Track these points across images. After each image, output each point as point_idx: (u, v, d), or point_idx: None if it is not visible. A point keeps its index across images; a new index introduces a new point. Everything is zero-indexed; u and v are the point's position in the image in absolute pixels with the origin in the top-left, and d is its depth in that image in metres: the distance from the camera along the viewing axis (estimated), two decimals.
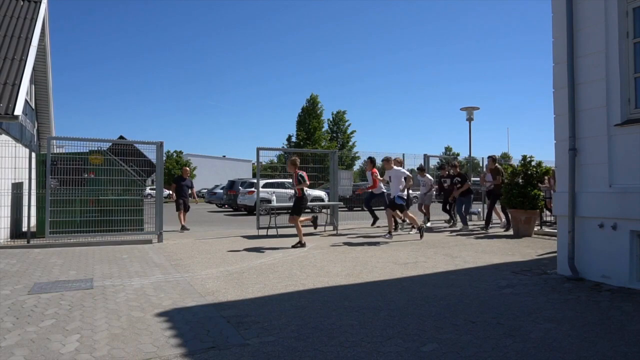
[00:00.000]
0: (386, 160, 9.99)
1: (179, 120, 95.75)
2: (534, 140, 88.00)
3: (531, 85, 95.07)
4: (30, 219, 8.95)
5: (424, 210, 12.49)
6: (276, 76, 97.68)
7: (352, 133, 41.93)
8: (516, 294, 4.78)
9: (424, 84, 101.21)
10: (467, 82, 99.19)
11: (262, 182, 13.78)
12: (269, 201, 14.32)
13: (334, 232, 11.13)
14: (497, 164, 11.70)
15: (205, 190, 36.17)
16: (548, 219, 11.02)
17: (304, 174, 8.53)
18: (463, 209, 11.69)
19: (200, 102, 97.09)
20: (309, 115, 39.03)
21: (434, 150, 76.78)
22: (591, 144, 5.39)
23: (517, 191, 10.14)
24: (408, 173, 9.94)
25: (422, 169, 12.69)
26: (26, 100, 9.95)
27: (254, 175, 17.95)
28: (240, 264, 6.63)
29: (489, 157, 11.85)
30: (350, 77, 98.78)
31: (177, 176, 12.91)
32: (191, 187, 12.41)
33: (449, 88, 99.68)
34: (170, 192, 8.61)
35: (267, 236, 10.09)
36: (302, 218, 8.73)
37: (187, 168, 13.27)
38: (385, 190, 10.95)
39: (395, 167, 9.78)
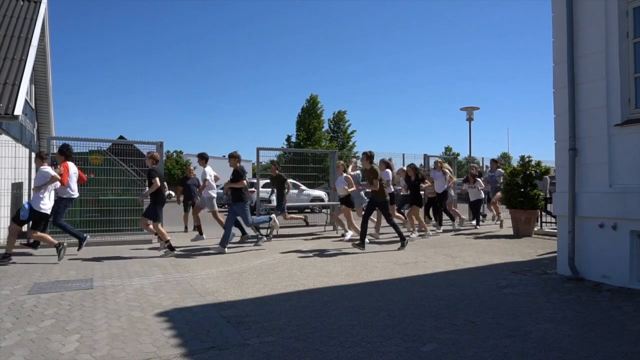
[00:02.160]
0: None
1: (179, 120, 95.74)
2: (534, 140, 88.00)
3: (531, 85, 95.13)
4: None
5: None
6: (276, 76, 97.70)
7: (352, 133, 41.91)
8: (516, 294, 4.78)
9: (424, 84, 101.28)
10: (467, 82, 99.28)
11: (262, 182, 13.77)
12: (269, 201, 14.30)
13: (334, 232, 11.13)
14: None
15: None
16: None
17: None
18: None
19: (200, 102, 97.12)
20: (309, 115, 38.99)
21: (434, 150, 76.83)
22: (591, 144, 5.39)
23: (517, 191, 10.15)
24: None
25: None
26: (26, 100, 9.96)
27: (254, 175, 17.93)
28: (240, 264, 6.63)
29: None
30: (350, 77, 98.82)
31: (183, 177, 12.82)
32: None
33: (448, 88, 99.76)
34: (171, 192, 8.59)
35: (267, 236, 10.08)
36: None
37: (192, 167, 13.10)
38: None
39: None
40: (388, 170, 9.62)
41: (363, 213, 8.37)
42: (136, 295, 4.77)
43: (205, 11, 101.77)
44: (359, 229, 8.33)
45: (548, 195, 10.60)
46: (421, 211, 10.66)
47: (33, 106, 13.28)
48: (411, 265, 6.43)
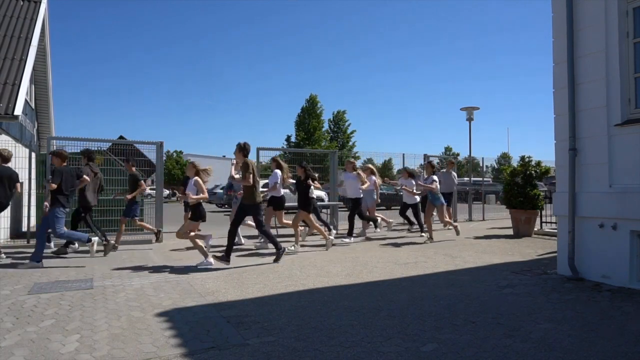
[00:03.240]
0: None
1: (179, 120, 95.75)
2: (534, 140, 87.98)
3: (532, 85, 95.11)
4: (30, 219, 8.96)
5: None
6: (276, 76, 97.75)
7: (352, 133, 41.89)
8: (516, 294, 4.78)
9: (423, 84, 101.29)
10: (467, 82, 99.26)
11: (262, 182, 13.77)
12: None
13: (334, 232, 11.12)
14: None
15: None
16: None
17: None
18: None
19: (200, 101, 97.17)
20: (308, 115, 38.97)
21: (434, 150, 76.76)
22: (591, 144, 5.39)
23: (517, 191, 10.15)
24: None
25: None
26: (26, 100, 9.95)
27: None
28: (240, 264, 6.63)
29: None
30: (350, 78, 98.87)
31: (184, 177, 12.77)
32: None
33: (448, 88, 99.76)
34: (170, 192, 8.61)
35: None
36: (285, 220, 8.38)
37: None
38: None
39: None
40: (277, 171, 8.38)
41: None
42: (136, 295, 4.77)
43: (205, 11, 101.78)
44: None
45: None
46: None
47: (33, 106, 13.27)
48: (411, 265, 6.43)
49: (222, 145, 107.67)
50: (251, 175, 6.48)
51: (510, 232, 10.40)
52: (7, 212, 8.94)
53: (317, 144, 36.74)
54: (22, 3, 11.29)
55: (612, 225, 5.11)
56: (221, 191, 21.25)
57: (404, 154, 13.84)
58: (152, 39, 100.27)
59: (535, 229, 10.22)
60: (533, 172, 10.24)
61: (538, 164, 10.41)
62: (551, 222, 9.84)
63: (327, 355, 3.10)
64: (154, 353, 3.16)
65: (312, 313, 4.09)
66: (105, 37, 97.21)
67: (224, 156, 61.08)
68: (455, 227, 9.80)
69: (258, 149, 10.91)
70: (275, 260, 6.70)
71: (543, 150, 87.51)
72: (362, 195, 9.58)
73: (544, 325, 3.71)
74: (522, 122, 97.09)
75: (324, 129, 40.11)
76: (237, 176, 6.88)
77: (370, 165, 11.00)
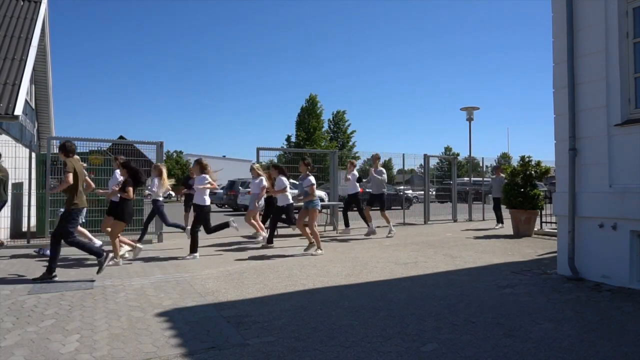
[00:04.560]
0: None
1: (178, 120, 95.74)
2: (534, 140, 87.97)
3: (532, 85, 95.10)
4: (30, 219, 8.96)
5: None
6: (276, 76, 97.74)
7: (352, 133, 41.90)
8: (516, 294, 4.78)
9: (424, 84, 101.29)
10: (467, 82, 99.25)
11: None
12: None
13: (334, 232, 11.13)
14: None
15: None
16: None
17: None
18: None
19: (200, 102, 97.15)
20: (308, 115, 38.97)
21: (434, 150, 76.80)
22: (591, 144, 5.39)
23: (517, 191, 10.15)
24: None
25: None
26: (26, 100, 9.96)
27: None
28: (240, 264, 6.63)
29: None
30: (350, 78, 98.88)
31: (184, 177, 12.72)
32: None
33: (448, 88, 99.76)
34: (173, 193, 8.56)
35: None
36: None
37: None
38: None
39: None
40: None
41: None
42: (136, 295, 4.77)
43: (205, 11, 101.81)
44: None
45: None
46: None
47: (33, 106, 13.28)
48: (411, 265, 6.43)
49: (222, 145, 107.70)
50: (70, 175, 5.57)
51: (510, 232, 10.41)
52: (7, 211, 8.95)
53: (317, 144, 36.75)
54: (22, 3, 11.29)
55: (612, 225, 5.11)
56: (221, 191, 21.25)
57: (404, 154, 13.85)
58: (152, 39, 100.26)
59: (535, 229, 10.23)
60: (533, 172, 10.24)
61: (538, 164, 10.41)
62: (551, 222, 9.85)
63: (327, 355, 3.10)
64: (154, 353, 3.16)
65: (312, 313, 4.09)
66: (105, 37, 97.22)
67: (224, 156, 61.15)
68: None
69: (258, 149, 10.89)
70: (99, 270, 5.48)
71: (543, 150, 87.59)
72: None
73: (544, 325, 3.71)
74: (522, 122, 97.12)
75: (324, 129, 40.12)
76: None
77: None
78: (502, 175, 11.92)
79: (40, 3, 11.54)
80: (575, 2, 5.54)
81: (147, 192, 8.10)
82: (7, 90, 8.58)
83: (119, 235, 6.69)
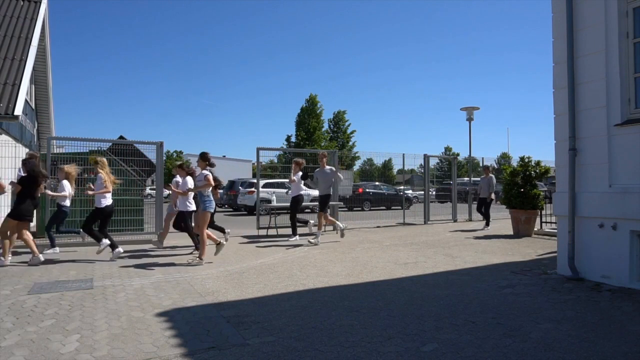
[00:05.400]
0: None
1: (179, 120, 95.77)
2: (534, 140, 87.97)
3: (532, 85, 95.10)
4: None
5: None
6: (276, 76, 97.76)
7: (352, 133, 41.93)
8: (516, 294, 4.78)
9: (424, 84, 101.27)
10: (467, 82, 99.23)
11: (262, 182, 13.77)
12: (269, 201, 14.31)
13: (334, 232, 11.12)
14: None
15: None
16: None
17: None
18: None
19: (200, 101, 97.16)
20: (308, 115, 39.01)
21: (434, 150, 76.83)
22: (591, 144, 5.39)
23: (517, 191, 10.15)
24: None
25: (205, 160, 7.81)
26: (26, 100, 9.96)
27: (254, 175, 17.93)
28: (240, 264, 6.63)
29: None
30: (350, 78, 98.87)
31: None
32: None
33: (448, 88, 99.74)
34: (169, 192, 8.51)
35: (267, 236, 10.09)
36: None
37: (194, 167, 12.71)
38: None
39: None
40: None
41: None
42: (136, 295, 4.77)
43: (206, 11, 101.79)
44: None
45: None
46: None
47: (33, 106, 13.28)
48: (411, 265, 6.43)
49: (222, 145, 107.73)
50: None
51: (510, 232, 10.41)
52: (7, 212, 8.95)
53: (317, 144, 36.77)
54: (22, 3, 11.29)
55: (612, 225, 5.11)
56: (221, 191, 21.27)
57: (404, 154, 13.86)
58: (152, 39, 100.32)
59: (535, 229, 10.22)
60: (533, 172, 10.24)
61: (538, 163, 10.41)
62: (551, 222, 9.85)
63: (327, 355, 3.10)
64: (154, 353, 3.16)
65: (312, 313, 4.09)
66: (105, 37, 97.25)
67: (224, 156, 61.15)
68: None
69: (258, 149, 10.90)
70: None
71: (543, 150, 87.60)
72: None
73: (544, 325, 3.71)
74: (522, 122, 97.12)
75: (324, 129, 40.15)
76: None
77: (297, 159, 9.65)
78: (492, 175, 11.95)
79: (40, 3, 11.54)
80: (575, 2, 5.54)
81: (147, 191, 8.06)
82: (7, 90, 8.59)
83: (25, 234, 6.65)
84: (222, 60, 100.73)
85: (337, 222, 9.69)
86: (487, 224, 11.84)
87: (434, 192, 18.43)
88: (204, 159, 6.98)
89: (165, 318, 3.96)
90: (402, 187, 18.33)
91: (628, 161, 5.02)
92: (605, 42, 5.23)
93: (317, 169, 9.51)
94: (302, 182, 9.48)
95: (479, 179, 16.78)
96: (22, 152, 9.80)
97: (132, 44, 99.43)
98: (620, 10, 5.12)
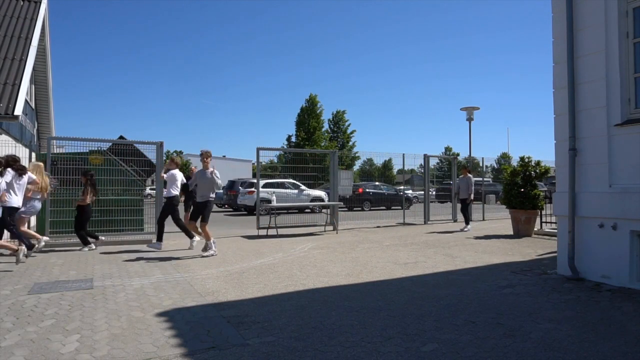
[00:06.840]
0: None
1: (178, 120, 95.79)
2: (534, 140, 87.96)
3: (532, 85, 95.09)
4: (29, 219, 8.94)
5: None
6: (276, 76, 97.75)
7: (352, 133, 41.98)
8: (516, 294, 4.78)
9: (424, 84, 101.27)
10: (467, 82, 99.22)
11: (262, 182, 13.78)
12: (269, 201, 14.32)
13: (334, 232, 11.13)
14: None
15: None
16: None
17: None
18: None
19: (200, 102, 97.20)
20: (308, 115, 39.04)
21: (434, 150, 76.79)
22: (591, 144, 5.39)
23: (517, 191, 10.15)
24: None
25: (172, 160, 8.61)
26: (26, 100, 9.96)
27: (254, 175, 17.93)
28: (240, 264, 6.63)
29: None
30: (350, 78, 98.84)
31: (185, 177, 12.57)
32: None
33: (448, 88, 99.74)
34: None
35: (267, 236, 10.09)
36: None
37: (194, 167, 12.70)
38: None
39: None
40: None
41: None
42: (136, 295, 4.77)
43: (205, 11, 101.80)
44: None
45: None
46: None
47: (33, 106, 13.27)
48: (411, 265, 6.43)
49: (222, 145, 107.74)
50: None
51: (510, 232, 10.41)
52: None
53: (317, 144, 36.78)
54: (22, 3, 11.29)
55: (612, 225, 5.11)
56: (221, 191, 21.27)
57: (404, 154, 13.86)
58: (152, 39, 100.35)
59: (535, 229, 10.22)
60: (533, 172, 10.24)
61: (538, 163, 10.41)
62: (551, 222, 9.85)
63: (327, 355, 3.10)
64: (154, 353, 3.16)
65: (312, 313, 4.09)
66: (105, 37, 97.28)
67: (224, 156, 61.16)
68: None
69: (258, 149, 10.89)
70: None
71: (543, 150, 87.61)
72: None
73: (544, 325, 3.71)
74: (522, 122, 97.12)
75: (323, 129, 40.17)
76: None
77: (172, 157, 9.23)
78: (470, 175, 11.90)
79: (40, 3, 11.53)
80: (575, 2, 5.54)
81: (147, 192, 8.11)
82: (7, 90, 8.58)
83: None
84: (222, 60, 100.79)
85: (198, 237, 8.29)
86: (467, 224, 11.66)
87: (434, 192, 18.44)
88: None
89: (165, 318, 3.96)
90: (402, 187, 18.33)
91: (628, 161, 5.02)
92: (605, 42, 5.23)
93: (198, 170, 7.98)
94: (178, 181, 8.20)
95: (480, 179, 16.70)
96: (22, 152, 9.79)
97: (132, 44, 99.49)
98: (620, 10, 5.12)
